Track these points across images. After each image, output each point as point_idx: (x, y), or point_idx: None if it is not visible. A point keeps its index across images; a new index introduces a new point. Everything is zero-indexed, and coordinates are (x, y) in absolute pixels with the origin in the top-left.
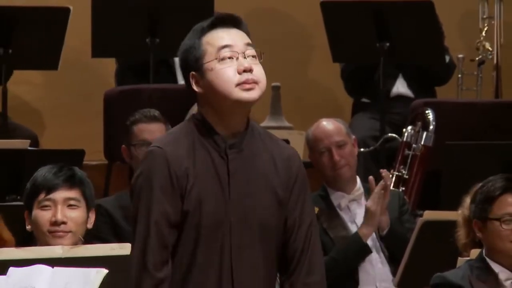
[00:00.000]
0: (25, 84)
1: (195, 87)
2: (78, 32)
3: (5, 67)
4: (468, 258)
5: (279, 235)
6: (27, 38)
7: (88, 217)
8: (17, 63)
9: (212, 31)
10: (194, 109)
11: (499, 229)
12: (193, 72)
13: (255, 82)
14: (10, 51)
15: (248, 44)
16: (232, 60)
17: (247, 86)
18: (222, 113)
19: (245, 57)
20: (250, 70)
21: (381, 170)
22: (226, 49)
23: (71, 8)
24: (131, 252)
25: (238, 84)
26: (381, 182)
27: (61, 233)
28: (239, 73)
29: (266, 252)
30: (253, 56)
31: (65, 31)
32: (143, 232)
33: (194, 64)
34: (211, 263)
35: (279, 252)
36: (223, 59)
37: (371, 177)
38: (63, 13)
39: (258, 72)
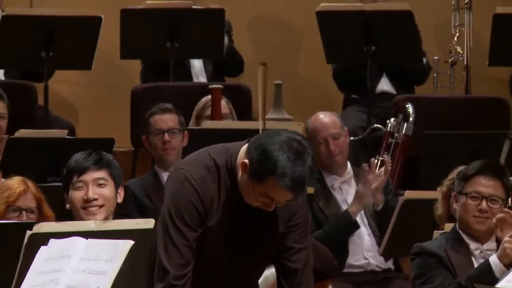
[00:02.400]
0: (63, 82)
1: (239, 164)
2: (109, 37)
3: (46, 68)
4: (443, 231)
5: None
6: (66, 42)
7: (117, 193)
8: (57, 64)
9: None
10: (200, 105)
11: (466, 203)
12: (246, 161)
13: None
14: (51, 54)
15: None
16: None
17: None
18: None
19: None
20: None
21: (382, 158)
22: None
23: (102, 17)
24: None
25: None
26: (376, 170)
27: (93, 208)
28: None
29: (257, 271)
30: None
31: (97, 37)
32: (169, 247)
33: (253, 171)
34: (213, 275)
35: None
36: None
37: (365, 164)
38: (96, 21)
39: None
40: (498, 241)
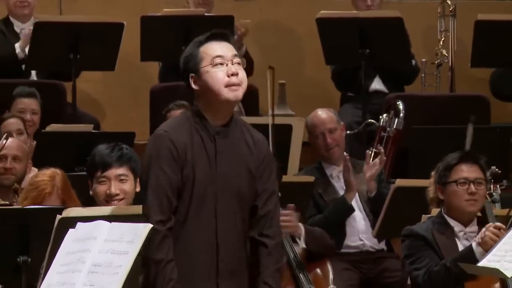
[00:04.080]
0: (89, 81)
1: (193, 86)
2: (130, 41)
3: (74, 69)
4: (430, 215)
5: (251, 201)
6: (91, 46)
7: (136, 183)
8: (83, 65)
9: (208, 43)
10: None
11: (456, 189)
12: (192, 74)
13: (239, 84)
14: (78, 56)
15: (235, 55)
16: (222, 66)
17: (234, 87)
18: (213, 107)
19: (232, 64)
20: (236, 74)
21: (377, 149)
22: (218, 58)
23: (124, 23)
24: (143, 210)
25: (227, 86)
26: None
27: (115, 202)
28: (228, 76)
29: (241, 213)
30: (238, 64)
31: (120, 41)
32: (152, 195)
33: (193, 67)
34: (200, 220)
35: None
36: (216, 64)
37: (367, 152)
38: (119, 27)
39: (242, 76)
40: (480, 225)
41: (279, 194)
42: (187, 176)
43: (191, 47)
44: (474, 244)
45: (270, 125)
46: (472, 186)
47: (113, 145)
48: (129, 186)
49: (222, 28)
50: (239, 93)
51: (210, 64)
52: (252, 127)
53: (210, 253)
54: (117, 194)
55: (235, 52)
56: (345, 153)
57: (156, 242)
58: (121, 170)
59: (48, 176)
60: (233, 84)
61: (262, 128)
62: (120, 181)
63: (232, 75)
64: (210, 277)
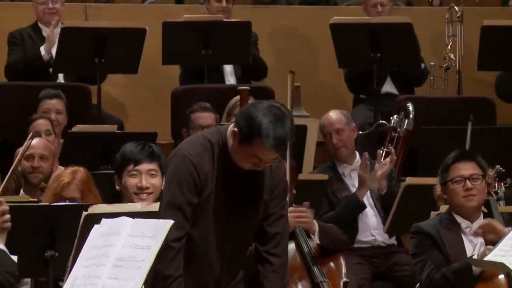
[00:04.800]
0: (114, 84)
1: (231, 136)
2: (152, 46)
3: (99, 72)
4: (439, 211)
5: (258, 222)
6: (115, 50)
7: (163, 181)
8: (108, 69)
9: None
10: (231, 104)
11: (453, 187)
12: (235, 130)
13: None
14: (103, 60)
15: (275, 159)
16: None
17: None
18: (237, 161)
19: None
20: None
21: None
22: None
23: (147, 28)
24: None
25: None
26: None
27: (144, 195)
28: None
29: (248, 235)
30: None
31: (142, 45)
32: (170, 212)
33: (241, 136)
34: (209, 244)
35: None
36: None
37: (378, 151)
38: (141, 32)
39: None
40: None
41: (294, 191)
42: (203, 203)
43: (254, 126)
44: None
45: None
46: (468, 182)
47: (143, 143)
48: (158, 181)
49: (240, 34)
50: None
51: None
52: None
53: (215, 274)
54: (148, 188)
55: (276, 156)
56: (366, 153)
57: (169, 258)
58: (151, 166)
59: (70, 171)
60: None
61: None
62: (150, 176)
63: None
64: None
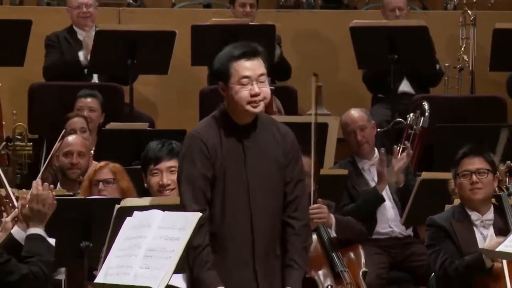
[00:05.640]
0: (145, 84)
1: (221, 91)
2: (182, 48)
3: (131, 73)
4: (453, 204)
5: (281, 188)
6: (147, 52)
7: None
8: (140, 70)
9: (240, 61)
10: None
11: (460, 181)
12: (221, 82)
13: (261, 100)
14: (135, 61)
15: (260, 75)
16: (248, 86)
17: (255, 104)
18: (237, 112)
19: (257, 83)
20: (258, 94)
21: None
22: (245, 79)
23: (177, 31)
24: (180, 201)
25: (249, 103)
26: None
27: (167, 192)
28: (251, 96)
29: (275, 203)
30: (262, 82)
31: (172, 47)
32: (186, 187)
33: (223, 78)
34: (236, 215)
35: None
36: (242, 84)
37: (394, 147)
38: (171, 35)
39: (265, 92)
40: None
41: (317, 186)
42: (218, 174)
43: (224, 58)
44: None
45: (313, 123)
46: (474, 176)
47: (163, 141)
48: None
49: (264, 36)
50: (260, 108)
51: (237, 83)
52: (283, 124)
53: (247, 246)
54: (169, 184)
55: (262, 71)
56: (382, 148)
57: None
58: (171, 163)
59: (103, 162)
60: (255, 102)
61: (301, 126)
62: (170, 172)
63: (255, 95)
64: (247, 265)
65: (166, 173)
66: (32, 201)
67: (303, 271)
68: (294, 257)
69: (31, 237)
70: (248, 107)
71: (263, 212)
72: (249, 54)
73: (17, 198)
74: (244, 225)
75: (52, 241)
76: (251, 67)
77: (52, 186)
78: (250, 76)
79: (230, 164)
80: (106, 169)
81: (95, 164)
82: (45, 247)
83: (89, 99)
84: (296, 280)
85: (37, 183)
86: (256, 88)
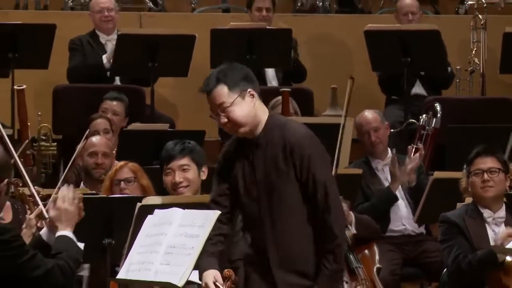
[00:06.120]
0: (165, 86)
1: None
2: (201, 51)
3: (152, 75)
4: (464, 203)
5: (295, 193)
6: (167, 55)
7: (200, 173)
8: (160, 72)
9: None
10: (271, 104)
11: (473, 180)
12: None
13: (232, 126)
14: (156, 64)
15: (220, 104)
16: (217, 116)
17: (229, 132)
18: None
19: (223, 112)
20: (224, 124)
21: (412, 146)
22: (213, 112)
23: (196, 35)
24: None
25: (226, 130)
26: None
27: (180, 189)
28: (222, 126)
29: (285, 208)
30: (226, 108)
31: (192, 50)
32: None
33: None
34: (252, 223)
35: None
36: (214, 117)
37: (408, 147)
38: (191, 38)
39: (231, 118)
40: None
41: None
42: (233, 183)
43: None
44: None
45: (342, 125)
46: (485, 175)
47: (177, 141)
48: (192, 174)
49: (281, 40)
50: (239, 132)
51: (213, 115)
52: (293, 127)
53: (263, 251)
54: (181, 182)
55: (220, 101)
56: (394, 149)
57: None
58: (183, 161)
59: (122, 162)
60: (229, 130)
61: (316, 127)
62: (183, 171)
63: (224, 125)
64: (266, 269)
65: (178, 171)
66: (59, 202)
67: (331, 271)
68: (321, 260)
69: (60, 238)
70: (229, 132)
71: (277, 222)
72: (205, 91)
73: (41, 197)
74: (259, 235)
75: (81, 245)
76: (211, 101)
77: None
78: (213, 108)
79: (240, 178)
80: (126, 169)
81: (116, 164)
82: (74, 247)
83: (114, 102)
84: (322, 280)
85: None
86: (221, 119)
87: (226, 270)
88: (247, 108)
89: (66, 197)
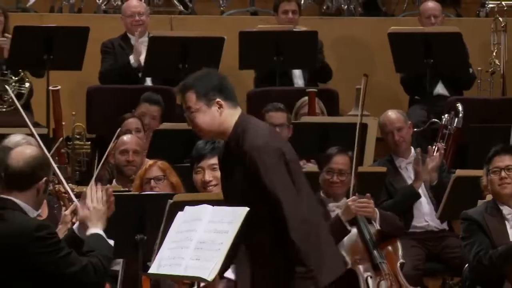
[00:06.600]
0: None
1: None
2: (230, 53)
3: (183, 76)
4: (485, 200)
5: (255, 198)
6: (197, 56)
7: None
8: (191, 73)
9: None
10: (298, 104)
11: (491, 178)
12: None
13: (198, 132)
14: (186, 65)
15: (187, 108)
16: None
17: (198, 134)
18: None
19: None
20: (192, 127)
21: (434, 145)
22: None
23: (225, 37)
24: None
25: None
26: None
27: (210, 188)
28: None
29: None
30: (191, 112)
31: (221, 52)
32: None
33: None
34: None
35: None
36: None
37: (429, 147)
38: (220, 40)
39: (195, 123)
40: None
41: (353, 182)
42: None
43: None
44: None
45: (358, 123)
46: (503, 172)
47: (207, 141)
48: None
49: (307, 40)
50: (203, 136)
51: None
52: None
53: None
54: (211, 181)
55: (187, 105)
56: (418, 148)
57: None
58: (213, 160)
59: (151, 160)
60: (196, 132)
61: (342, 126)
62: (212, 170)
63: (193, 128)
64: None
65: (208, 170)
66: (88, 201)
67: (299, 273)
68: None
69: (91, 236)
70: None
71: (248, 232)
72: (177, 93)
73: (75, 194)
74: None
75: (111, 242)
76: (184, 104)
77: (109, 186)
78: (184, 110)
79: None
80: (155, 167)
81: (147, 162)
82: (105, 245)
83: (154, 107)
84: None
85: (95, 182)
86: (190, 123)
87: None
88: (210, 117)
89: (95, 196)
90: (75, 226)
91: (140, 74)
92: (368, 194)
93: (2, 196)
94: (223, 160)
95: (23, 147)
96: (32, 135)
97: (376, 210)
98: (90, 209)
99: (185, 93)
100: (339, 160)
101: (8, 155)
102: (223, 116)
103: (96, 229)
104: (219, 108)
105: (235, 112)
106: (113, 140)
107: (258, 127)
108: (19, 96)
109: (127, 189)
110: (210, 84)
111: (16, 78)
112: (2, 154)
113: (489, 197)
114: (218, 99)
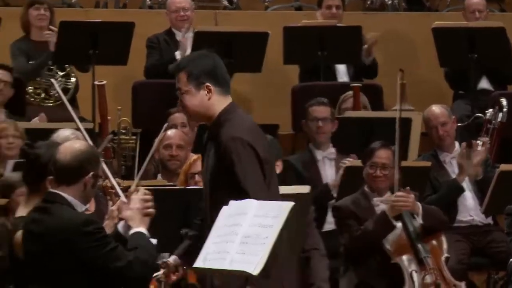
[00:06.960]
0: (240, 82)
1: None
2: (274, 48)
3: (228, 71)
4: None
5: (223, 186)
6: (242, 51)
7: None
8: (236, 68)
9: None
10: (342, 98)
11: None
12: None
13: (184, 112)
14: (231, 60)
15: (178, 89)
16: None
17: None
18: None
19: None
20: (181, 108)
21: (479, 139)
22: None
23: (270, 32)
24: None
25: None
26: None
27: None
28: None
29: (213, 205)
30: (181, 93)
31: (265, 47)
32: None
33: None
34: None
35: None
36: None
37: (473, 141)
38: (265, 36)
39: (182, 103)
40: None
41: (397, 177)
42: None
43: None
44: None
45: (398, 118)
46: None
47: None
48: None
49: (351, 35)
50: (190, 118)
51: None
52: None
53: None
54: None
55: (178, 85)
56: (463, 143)
57: None
58: None
59: (195, 155)
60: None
61: (386, 121)
62: None
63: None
64: None
65: None
66: (132, 203)
67: None
68: None
69: (135, 235)
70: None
71: (213, 206)
72: (171, 72)
73: (122, 189)
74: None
75: (154, 241)
76: (176, 84)
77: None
78: (177, 90)
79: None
80: (200, 162)
81: (191, 156)
82: (148, 243)
83: None
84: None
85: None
86: (179, 104)
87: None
88: (198, 100)
89: (137, 199)
90: (119, 225)
91: None
92: (407, 188)
93: (50, 190)
94: (204, 145)
95: (73, 141)
96: (78, 129)
97: (419, 204)
98: (134, 211)
99: (178, 73)
100: (382, 154)
101: (57, 150)
102: (211, 101)
103: (139, 228)
104: (208, 92)
105: (224, 100)
106: (160, 135)
107: (241, 120)
108: (65, 91)
109: (172, 183)
110: (202, 68)
111: (62, 73)
112: (51, 149)
113: None
114: (207, 84)
